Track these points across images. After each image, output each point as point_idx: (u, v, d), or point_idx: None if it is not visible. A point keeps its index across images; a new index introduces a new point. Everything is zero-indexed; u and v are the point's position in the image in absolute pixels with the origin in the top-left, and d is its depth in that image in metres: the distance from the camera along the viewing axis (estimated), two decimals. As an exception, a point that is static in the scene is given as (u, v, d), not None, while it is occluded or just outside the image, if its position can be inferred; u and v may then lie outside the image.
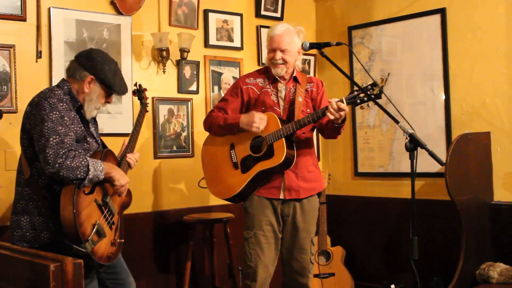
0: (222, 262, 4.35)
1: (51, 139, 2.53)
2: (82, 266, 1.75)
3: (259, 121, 3.20)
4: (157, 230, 4.28)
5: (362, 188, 5.07)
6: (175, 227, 4.34)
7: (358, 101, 3.04)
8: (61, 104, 2.64)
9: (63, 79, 2.83)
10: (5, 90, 3.57)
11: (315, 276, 4.59)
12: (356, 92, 3.08)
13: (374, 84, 3.04)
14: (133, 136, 3.12)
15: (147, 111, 3.37)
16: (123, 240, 2.87)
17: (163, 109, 4.34)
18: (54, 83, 3.72)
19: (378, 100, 3.00)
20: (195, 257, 4.27)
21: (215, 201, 4.41)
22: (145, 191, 4.25)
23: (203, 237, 4.26)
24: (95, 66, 2.76)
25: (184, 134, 4.45)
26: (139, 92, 3.41)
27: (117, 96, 3.03)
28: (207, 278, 4.32)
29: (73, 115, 2.70)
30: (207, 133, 3.53)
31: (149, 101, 4.15)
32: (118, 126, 4.02)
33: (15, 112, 3.58)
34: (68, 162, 2.52)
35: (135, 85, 3.39)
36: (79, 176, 2.54)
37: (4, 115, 2.95)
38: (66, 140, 2.56)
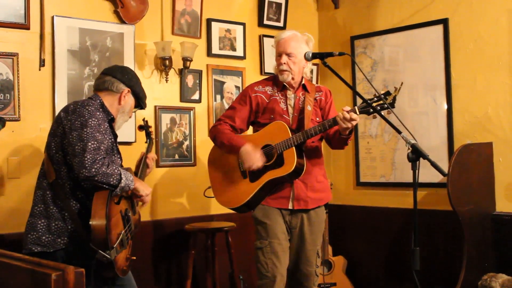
0: (223, 271, 4.33)
1: (89, 144, 2.59)
2: (83, 275, 1.75)
3: (254, 165, 3.18)
4: (159, 239, 4.28)
5: (364, 198, 5.06)
6: (177, 236, 4.33)
7: (371, 110, 2.99)
8: (98, 113, 2.73)
9: (95, 93, 2.90)
10: (8, 98, 3.58)
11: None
12: (369, 101, 3.02)
13: (388, 93, 3.00)
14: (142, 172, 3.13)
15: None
16: (134, 258, 2.90)
17: (166, 118, 4.34)
18: (57, 91, 3.75)
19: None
20: (197, 266, 4.26)
21: (216, 210, 4.40)
22: (147, 199, 4.24)
23: (205, 246, 4.24)
24: (130, 79, 2.92)
25: (187, 143, 4.45)
26: (146, 128, 3.40)
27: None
28: (209, 287, 4.30)
29: (106, 126, 2.79)
30: (209, 142, 3.50)
31: (151, 109, 4.21)
32: (121, 135, 4.01)
33: (18, 120, 3.59)
34: (104, 169, 2.58)
35: (143, 120, 3.41)
36: (111, 182, 2.60)
37: (6, 123, 2.96)
38: (102, 147, 2.63)
